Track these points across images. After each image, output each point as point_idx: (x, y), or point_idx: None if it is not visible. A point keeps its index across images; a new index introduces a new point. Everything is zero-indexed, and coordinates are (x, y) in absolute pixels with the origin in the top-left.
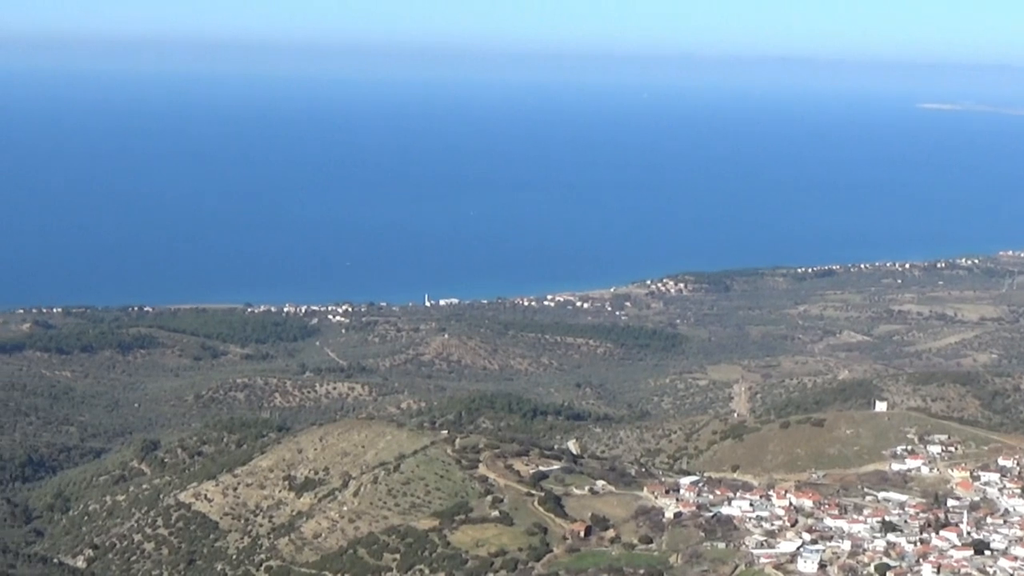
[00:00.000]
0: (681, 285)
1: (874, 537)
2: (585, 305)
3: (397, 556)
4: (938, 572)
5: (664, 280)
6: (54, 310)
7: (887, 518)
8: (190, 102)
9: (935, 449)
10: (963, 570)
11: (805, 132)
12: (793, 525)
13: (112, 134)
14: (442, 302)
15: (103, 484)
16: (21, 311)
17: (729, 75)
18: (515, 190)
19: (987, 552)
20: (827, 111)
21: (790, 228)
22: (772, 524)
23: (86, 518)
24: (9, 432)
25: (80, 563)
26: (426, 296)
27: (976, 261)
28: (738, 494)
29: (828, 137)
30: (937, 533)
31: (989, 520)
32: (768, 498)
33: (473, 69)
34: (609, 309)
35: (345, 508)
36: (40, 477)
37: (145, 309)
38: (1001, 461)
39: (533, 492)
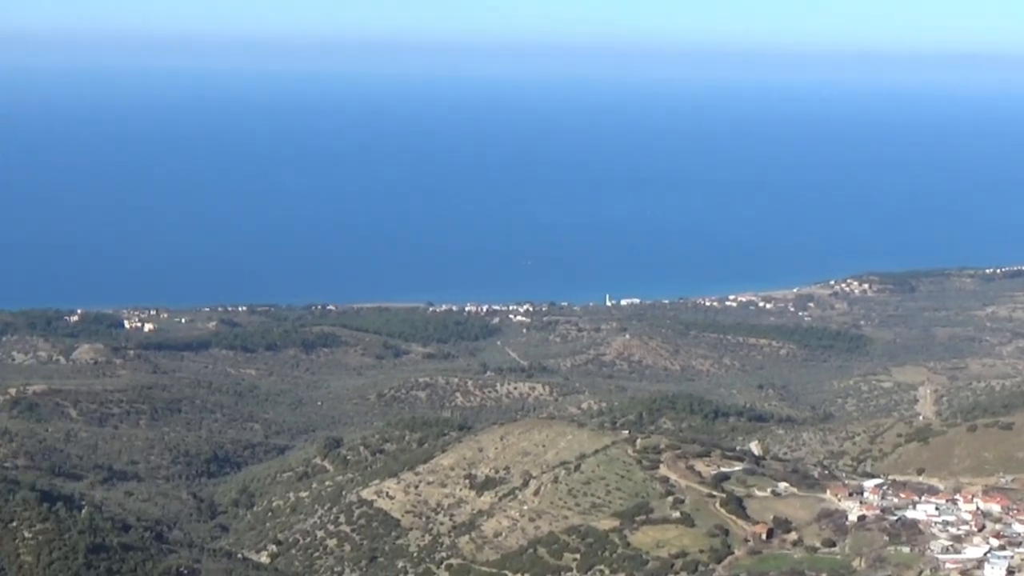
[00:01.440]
0: (865, 286)
1: None
2: (768, 306)
3: (577, 556)
4: None
5: (848, 280)
6: (239, 309)
7: None
8: (361, 100)
9: None
10: None
11: (970, 128)
12: (980, 530)
13: (285, 132)
14: (623, 302)
15: (287, 481)
16: (207, 310)
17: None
18: (696, 188)
19: None
20: (982, 107)
21: (977, 227)
22: (958, 529)
23: (270, 514)
24: (195, 429)
25: (264, 558)
26: (607, 296)
27: None
28: (923, 498)
29: (1000, 134)
30: None
31: None
32: (954, 502)
33: (655, 67)
34: (792, 310)
35: (525, 507)
36: (225, 473)
37: (328, 308)
38: None
39: (715, 493)
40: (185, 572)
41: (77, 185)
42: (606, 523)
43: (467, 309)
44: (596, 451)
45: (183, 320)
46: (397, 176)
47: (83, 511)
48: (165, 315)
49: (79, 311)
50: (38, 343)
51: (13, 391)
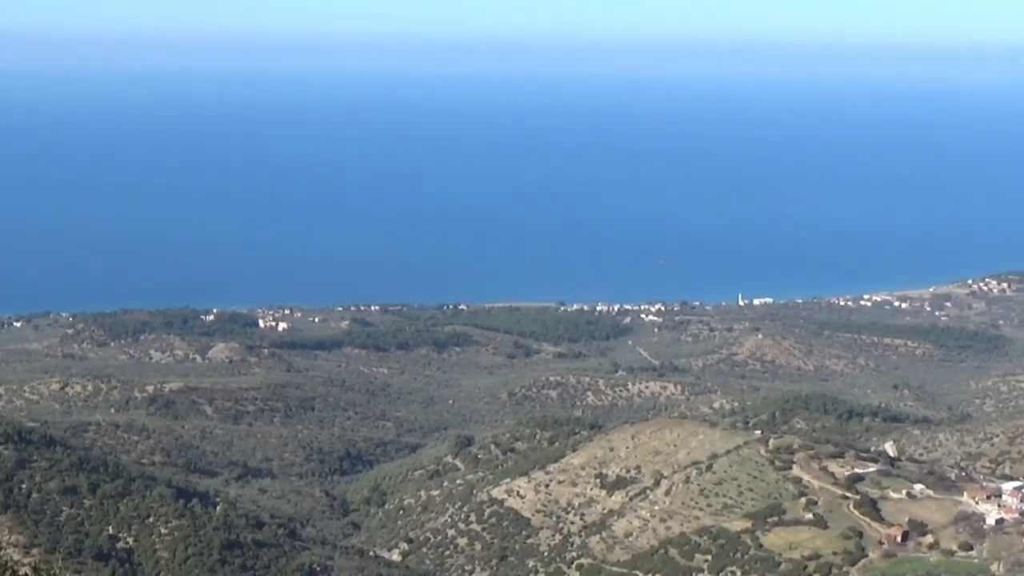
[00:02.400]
0: (1004, 285)
1: None
2: (903, 305)
3: (709, 557)
4: None
5: (986, 279)
6: (372, 308)
7: None
8: (491, 100)
9: None
10: None
11: None
12: None
13: (416, 131)
14: (756, 301)
15: (418, 479)
16: (340, 309)
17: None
18: (831, 186)
19: None
20: None
21: None
22: None
23: (401, 512)
24: (328, 427)
25: (395, 556)
26: (739, 295)
27: None
28: None
29: None
30: None
31: None
32: None
33: (782, 65)
34: (928, 309)
35: (657, 507)
36: (358, 471)
37: (460, 307)
38: None
39: (848, 495)
40: (318, 569)
41: (213, 185)
42: (738, 524)
43: (598, 309)
44: (728, 451)
45: (316, 319)
46: (527, 176)
47: (218, 508)
48: (299, 314)
49: (215, 310)
50: (175, 342)
51: (150, 389)
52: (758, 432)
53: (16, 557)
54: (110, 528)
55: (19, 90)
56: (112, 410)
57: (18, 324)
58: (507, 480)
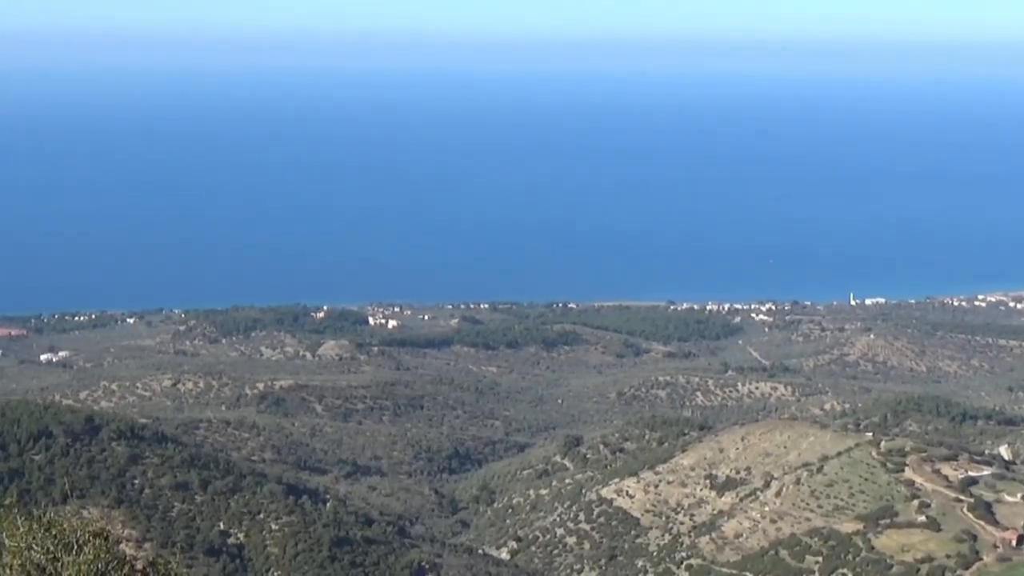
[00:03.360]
0: None
1: None
2: (1019, 306)
3: (819, 559)
4: None
5: None
6: (481, 306)
7: None
8: (586, 98)
9: None
10: None
11: None
12: None
13: (520, 130)
14: (868, 301)
15: (526, 478)
16: (450, 307)
17: None
18: (945, 185)
19: None
20: None
21: None
22: None
23: (510, 511)
24: (437, 425)
25: (504, 555)
26: (851, 295)
27: None
28: None
29: None
30: None
31: None
32: None
33: (902, 63)
34: None
35: (767, 508)
36: (466, 469)
37: (569, 306)
38: None
39: (962, 498)
40: (427, 567)
41: (321, 183)
42: (849, 526)
43: (708, 308)
44: (839, 453)
45: (425, 317)
46: (635, 173)
47: (328, 505)
48: (408, 312)
49: (325, 308)
50: (285, 339)
51: (261, 386)
52: (870, 434)
53: (129, 552)
54: (221, 524)
55: (123, 89)
56: (223, 407)
57: (131, 320)
58: (616, 480)
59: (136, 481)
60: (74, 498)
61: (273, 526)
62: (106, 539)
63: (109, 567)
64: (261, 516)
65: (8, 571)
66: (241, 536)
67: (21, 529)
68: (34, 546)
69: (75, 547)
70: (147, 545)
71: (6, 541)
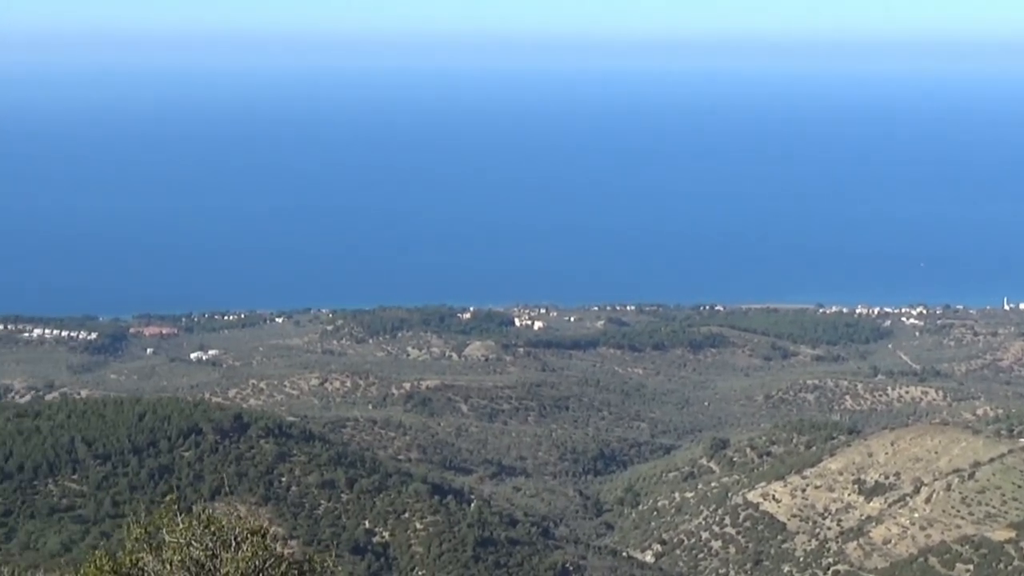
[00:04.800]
0: None
1: None
2: None
3: (970, 567)
4: None
5: None
6: (627, 308)
7: None
8: (720, 98)
9: None
10: None
11: None
12: None
13: (659, 131)
14: (1022, 306)
15: (672, 480)
16: (596, 308)
17: None
18: None
19: None
20: None
21: None
22: None
23: (655, 513)
24: (583, 426)
25: (648, 558)
26: (1004, 299)
27: None
28: None
29: None
30: None
31: None
32: None
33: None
34: None
35: (916, 515)
36: (611, 471)
37: (716, 308)
38: None
39: None
40: (571, 568)
41: (468, 184)
42: (1001, 534)
43: (858, 311)
44: (991, 459)
45: (571, 319)
46: (780, 177)
47: (472, 505)
48: (554, 313)
49: (471, 309)
50: (432, 339)
51: (407, 386)
52: (1023, 440)
53: (277, 549)
54: (366, 522)
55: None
56: (370, 406)
57: (279, 320)
58: (763, 484)
59: (283, 479)
60: (223, 495)
61: (418, 525)
62: (263, 536)
63: (267, 564)
64: (406, 515)
65: (168, 567)
66: (386, 535)
67: (181, 526)
68: (193, 543)
69: (233, 544)
70: (293, 543)
71: (166, 537)
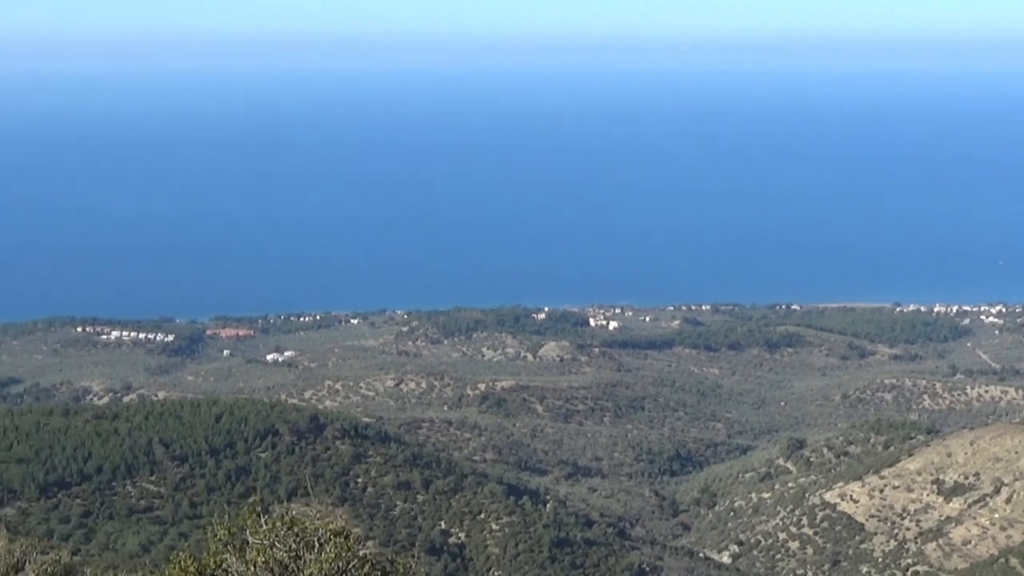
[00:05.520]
0: None
1: None
2: None
3: None
4: None
5: None
6: (703, 307)
7: None
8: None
9: None
10: None
11: None
12: None
13: (752, 131)
14: None
15: (748, 481)
16: (671, 308)
17: None
18: None
19: None
20: None
21: None
22: None
23: (731, 514)
24: (658, 427)
25: (725, 558)
26: None
27: None
28: None
29: None
30: None
31: None
32: None
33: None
34: None
35: (996, 515)
36: (687, 472)
37: (792, 307)
38: None
39: None
40: (647, 569)
41: (544, 190)
42: None
43: (936, 310)
44: None
45: (646, 319)
46: (851, 177)
47: (548, 505)
48: (629, 313)
49: (546, 309)
50: (506, 340)
51: (483, 386)
52: None
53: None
54: (442, 523)
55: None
56: (445, 407)
57: (355, 321)
58: (840, 484)
59: (359, 480)
60: (299, 496)
61: (494, 526)
62: (347, 538)
63: (350, 566)
64: (482, 516)
65: (252, 567)
66: (462, 536)
67: (264, 527)
68: (277, 544)
69: (316, 545)
70: (369, 543)
71: (250, 538)
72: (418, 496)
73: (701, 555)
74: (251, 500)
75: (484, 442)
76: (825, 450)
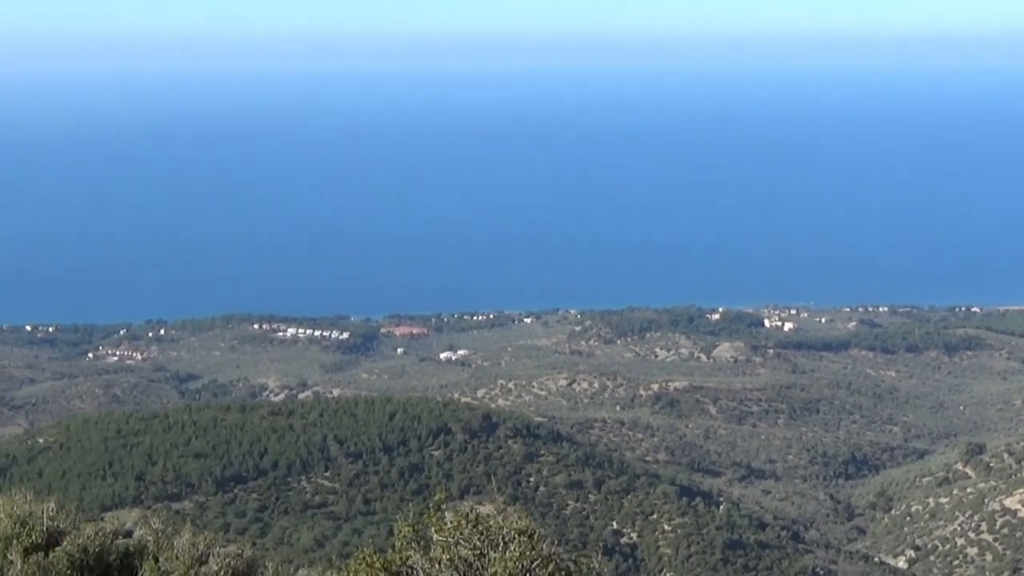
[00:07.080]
0: None
1: None
2: None
3: None
4: None
5: None
6: (880, 309)
7: None
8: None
9: None
10: None
11: None
12: None
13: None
14: None
15: (926, 485)
16: (847, 309)
17: None
18: None
19: None
20: None
21: None
22: None
23: (908, 519)
24: (833, 430)
25: (901, 563)
26: None
27: None
28: None
29: None
30: None
31: None
32: None
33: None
34: None
35: None
36: (863, 475)
37: (973, 310)
38: None
39: None
40: (821, 573)
41: (715, 186)
42: None
43: None
44: None
45: (822, 320)
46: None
47: (721, 507)
48: (805, 314)
49: (720, 309)
50: (680, 340)
51: (655, 387)
52: None
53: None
54: (614, 523)
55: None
56: (617, 407)
57: (527, 320)
58: (1021, 490)
59: (531, 479)
60: (471, 494)
61: (666, 527)
62: (531, 536)
63: (534, 565)
64: (654, 517)
65: (437, 565)
66: (634, 536)
67: (449, 525)
68: (462, 542)
69: (501, 544)
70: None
71: (435, 536)
72: (590, 496)
73: (876, 560)
74: (436, 498)
75: (656, 443)
76: (1006, 455)
